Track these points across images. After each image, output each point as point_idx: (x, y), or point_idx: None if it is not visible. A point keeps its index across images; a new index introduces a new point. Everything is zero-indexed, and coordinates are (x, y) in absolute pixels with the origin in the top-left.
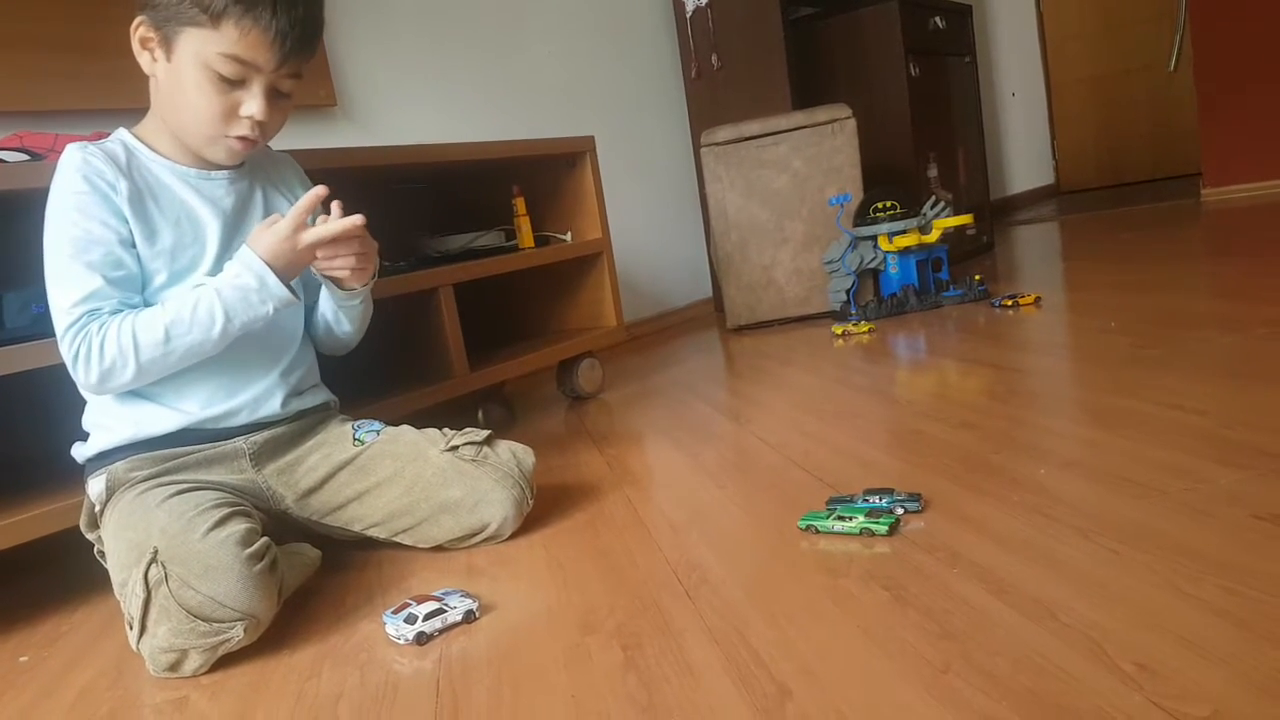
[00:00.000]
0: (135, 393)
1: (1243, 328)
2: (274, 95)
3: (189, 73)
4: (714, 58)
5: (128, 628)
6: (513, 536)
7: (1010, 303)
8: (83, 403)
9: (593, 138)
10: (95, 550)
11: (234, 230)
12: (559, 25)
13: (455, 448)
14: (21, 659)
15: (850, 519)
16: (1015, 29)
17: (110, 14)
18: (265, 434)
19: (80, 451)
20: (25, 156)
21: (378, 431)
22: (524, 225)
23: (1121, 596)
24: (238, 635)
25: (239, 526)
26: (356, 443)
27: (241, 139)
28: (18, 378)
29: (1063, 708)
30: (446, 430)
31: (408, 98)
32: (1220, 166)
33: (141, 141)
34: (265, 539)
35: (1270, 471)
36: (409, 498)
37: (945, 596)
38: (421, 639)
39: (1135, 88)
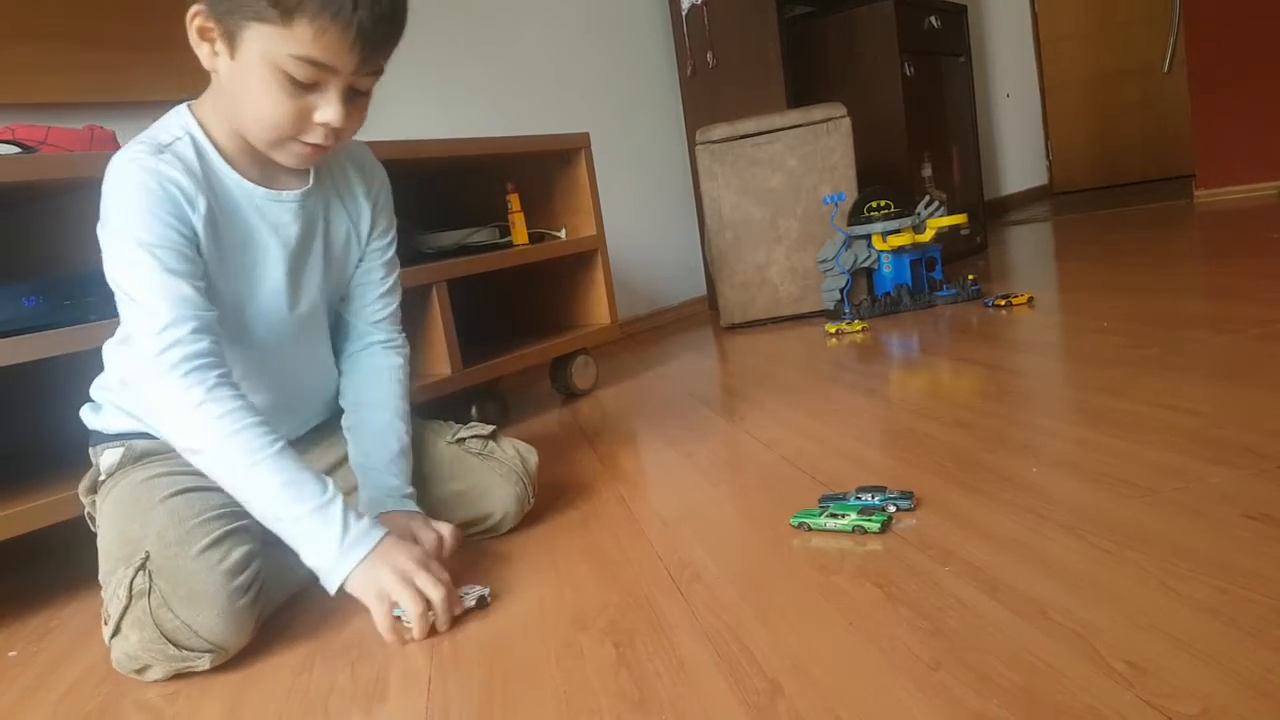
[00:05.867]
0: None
1: (1235, 328)
2: (351, 95)
3: (255, 73)
4: (709, 56)
5: (103, 620)
6: (507, 532)
7: (1003, 302)
8: (79, 398)
9: (588, 134)
10: (85, 513)
11: (298, 261)
12: (554, 22)
13: (461, 440)
14: (10, 654)
15: (842, 516)
16: (1010, 29)
17: (105, 6)
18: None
19: (95, 422)
20: (18, 149)
21: None
22: (518, 222)
23: (1113, 595)
24: (203, 665)
25: (234, 553)
26: None
27: (313, 145)
28: (6, 371)
29: (1054, 706)
30: (452, 423)
31: (402, 93)
32: (1213, 168)
33: (209, 139)
34: (256, 564)
35: (1261, 471)
36: (415, 488)
37: (937, 594)
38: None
39: (1129, 89)
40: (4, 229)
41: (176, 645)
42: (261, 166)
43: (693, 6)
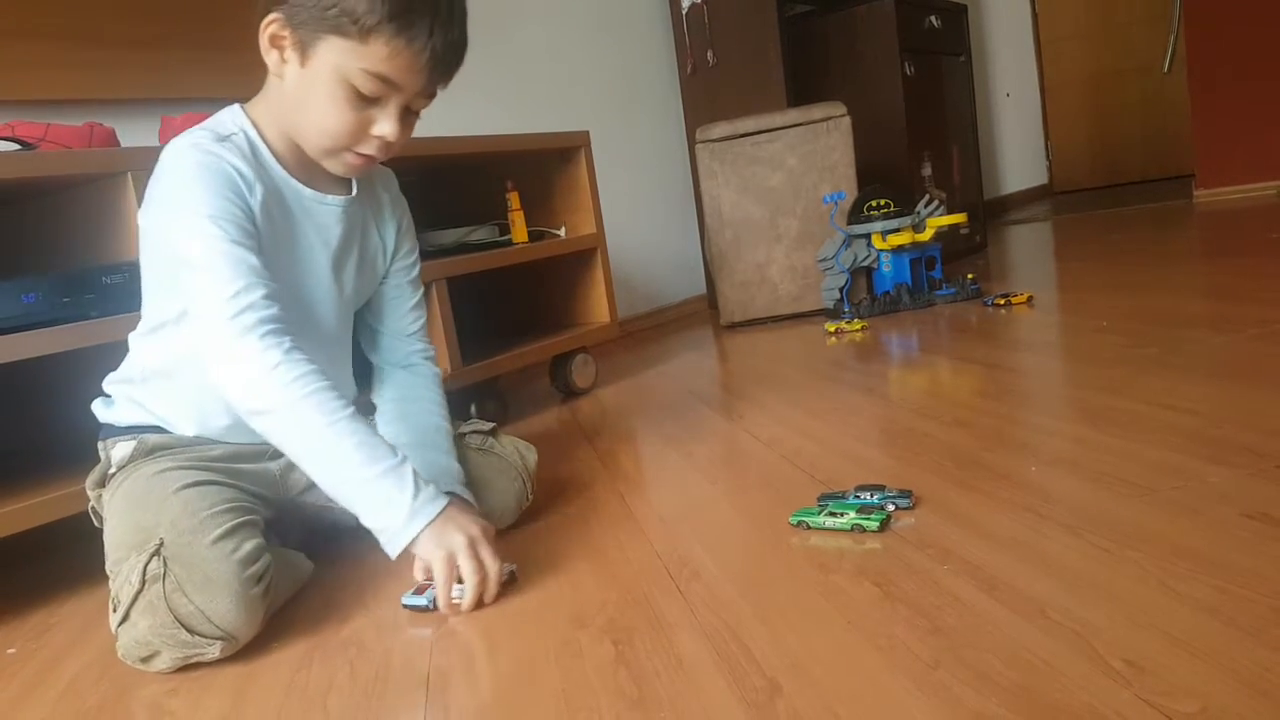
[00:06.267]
0: (189, 406)
1: (1234, 328)
2: (405, 113)
3: (323, 83)
4: (709, 54)
5: (110, 608)
6: (505, 530)
7: (1003, 302)
8: (78, 396)
9: (587, 133)
10: (90, 506)
11: (338, 263)
12: (554, 20)
13: (462, 435)
14: (9, 651)
15: (841, 515)
16: (1010, 29)
17: (105, 4)
18: None
19: (107, 415)
20: (17, 146)
21: None
22: (518, 220)
23: (1111, 594)
24: (213, 653)
25: (246, 544)
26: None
27: (365, 156)
28: (5, 369)
29: (1052, 704)
30: (454, 420)
31: None
32: (1213, 168)
33: (263, 139)
34: (267, 557)
35: (1260, 471)
36: None
37: (936, 593)
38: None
39: (1129, 89)
40: (3, 225)
41: (189, 631)
42: (308, 171)
43: (693, 5)
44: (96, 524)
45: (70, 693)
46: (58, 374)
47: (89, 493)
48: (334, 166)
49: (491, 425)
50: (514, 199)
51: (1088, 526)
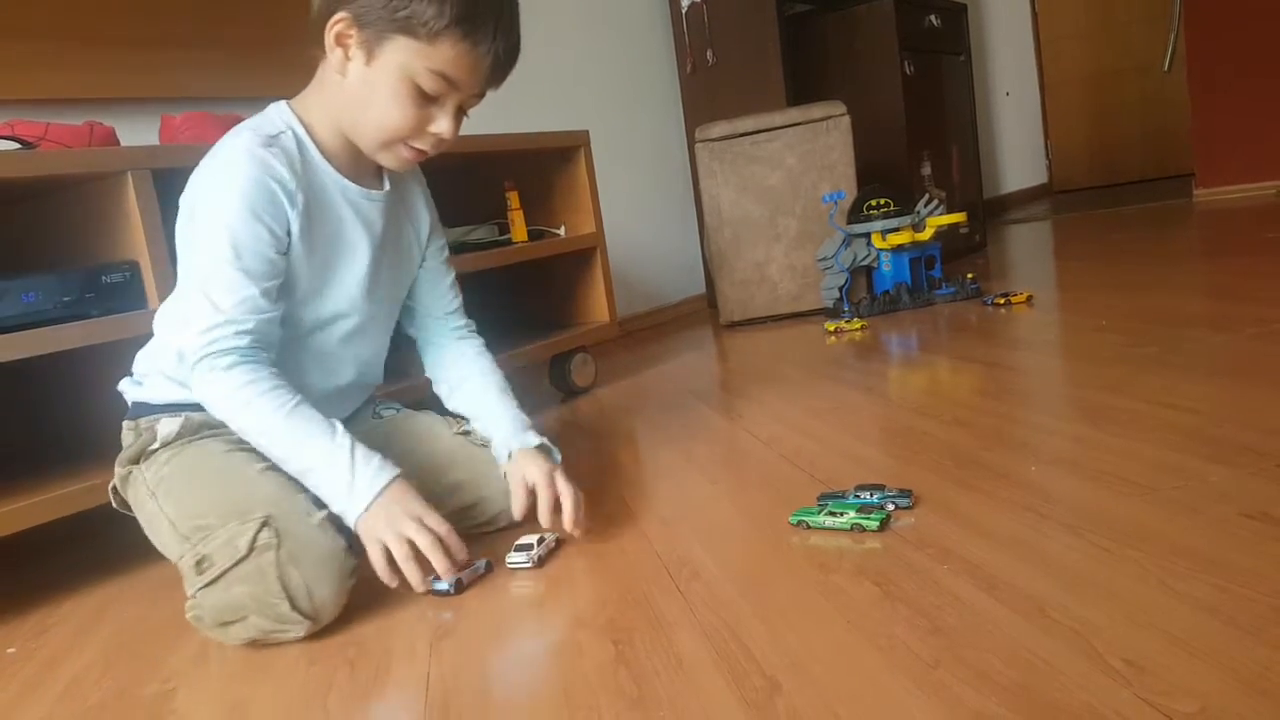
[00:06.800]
0: None
1: (1234, 327)
2: (457, 111)
3: (388, 81)
4: (709, 53)
5: (193, 570)
6: (506, 528)
7: (1002, 301)
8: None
9: (587, 132)
10: (112, 485)
11: (380, 255)
12: (554, 19)
13: (467, 433)
14: (9, 650)
15: (841, 515)
16: (1010, 28)
17: (104, 3)
18: None
19: (139, 394)
20: (17, 145)
21: (397, 410)
22: (517, 219)
23: (1111, 593)
24: (295, 634)
25: (343, 534)
26: (375, 417)
27: (418, 151)
28: (6, 367)
29: (1052, 703)
30: (461, 419)
31: None
32: (1212, 167)
33: (310, 136)
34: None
35: (1260, 470)
36: (419, 477)
37: (935, 592)
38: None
39: (1129, 88)
40: (3, 225)
41: (291, 602)
42: (354, 166)
43: (692, 4)
44: (115, 504)
45: (71, 692)
46: (57, 374)
47: (118, 469)
48: (387, 160)
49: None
50: (513, 198)
51: (1087, 526)
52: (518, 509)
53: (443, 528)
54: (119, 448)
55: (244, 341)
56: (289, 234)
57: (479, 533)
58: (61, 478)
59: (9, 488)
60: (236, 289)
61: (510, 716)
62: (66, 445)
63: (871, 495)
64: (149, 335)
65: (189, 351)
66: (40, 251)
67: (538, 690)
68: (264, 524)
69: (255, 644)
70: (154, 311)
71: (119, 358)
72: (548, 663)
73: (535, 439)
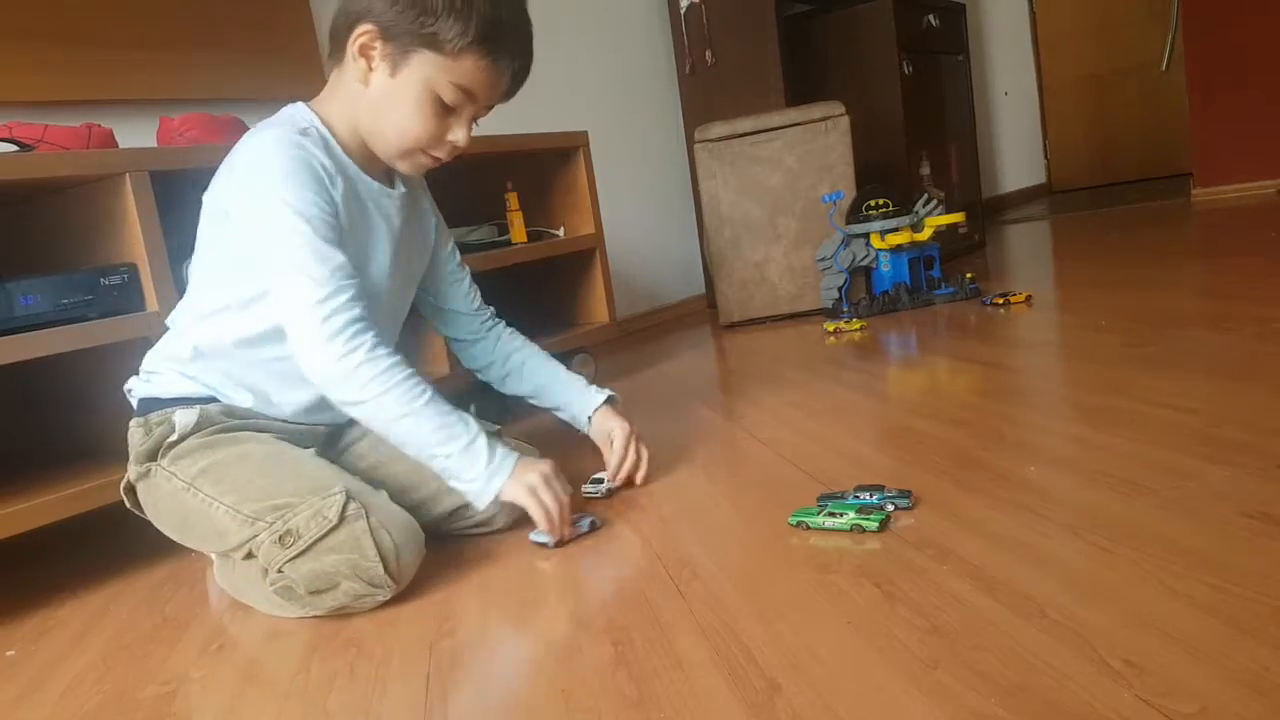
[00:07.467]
0: (242, 383)
1: (1233, 327)
2: (470, 121)
3: (411, 92)
4: (708, 54)
5: (276, 546)
6: (503, 529)
7: (1001, 301)
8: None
9: (586, 133)
10: (124, 483)
11: (399, 251)
12: (553, 20)
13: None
14: (9, 653)
15: (841, 515)
16: (1008, 28)
17: (104, 3)
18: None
19: (148, 389)
20: (15, 148)
21: None
22: (517, 220)
23: (1110, 593)
24: (380, 598)
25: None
26: None
27: (434, 158)
28: (5, 370)
29: (1051, 704)
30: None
31: None
32: (1211, 166)
33: (333, 136)
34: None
35: (1259, 470)
36: (419, 475)
37: (935, 593)
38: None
39: (1127, 87)
40: (1, 227)
41: (384, 564)
42: (370, 168)
43: (691, 5)
44: (129, 504)
45: (70, 694)
46: (57, 376)
47: (133, 467)
48: (405, 167)
49: (495, 428)
50: (513, 199)
51: (1087, 526)
52: (613, 473)
53: (567, 490)
54: (122, 449)
55: (359, 310)
56: (337, 211)
57: (474, 535)
58: (62, 480)
59: (8, 491)
60: (327, 257)
61: (509, 717)
62: (66, 448)
63: (871, 496)
64: (148, 336)
65: (303, 330)
66: (39, 254)
67: (537, 691)
68: (349, 497)
69: (342, 610)
70: (153, 313)
71: (118, 360)
72: (547, 663)
73: (600, 394)
